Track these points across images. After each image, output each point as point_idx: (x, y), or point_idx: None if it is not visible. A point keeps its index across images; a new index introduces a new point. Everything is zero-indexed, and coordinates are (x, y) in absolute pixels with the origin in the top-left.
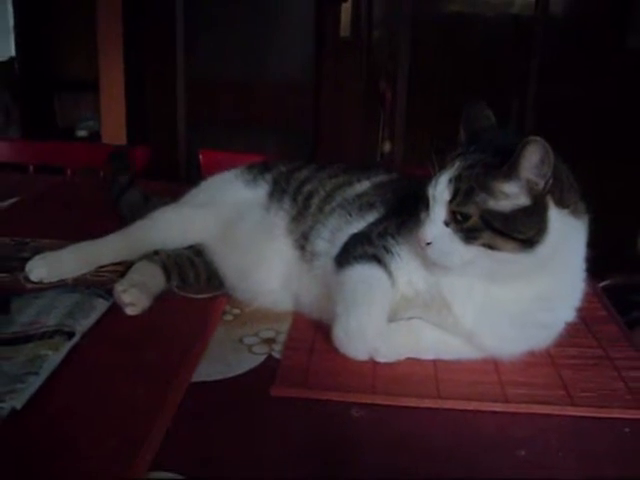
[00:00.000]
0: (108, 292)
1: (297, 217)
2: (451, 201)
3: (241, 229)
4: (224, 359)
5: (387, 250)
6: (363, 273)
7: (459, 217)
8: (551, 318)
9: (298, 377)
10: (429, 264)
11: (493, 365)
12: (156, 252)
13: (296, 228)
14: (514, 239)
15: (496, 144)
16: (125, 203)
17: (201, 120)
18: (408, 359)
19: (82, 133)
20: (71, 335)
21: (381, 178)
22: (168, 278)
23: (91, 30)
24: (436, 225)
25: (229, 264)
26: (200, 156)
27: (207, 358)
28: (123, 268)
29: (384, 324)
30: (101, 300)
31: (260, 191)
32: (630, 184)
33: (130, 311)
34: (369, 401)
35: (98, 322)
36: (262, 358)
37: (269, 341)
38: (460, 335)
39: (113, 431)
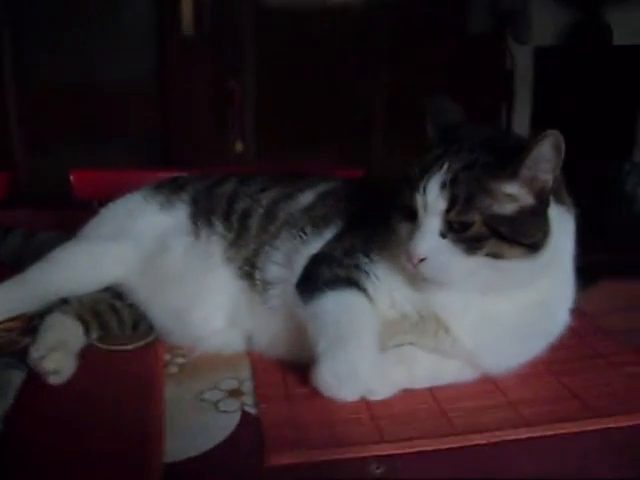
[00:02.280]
0: (20, 359)
1: (236, 241)
2: (449, 210)
3: (168, 261)
4: (191, 426)
5: (360, 270)
6: (340, 301)
7: (457, 226)
8: (552, 324)
9: (288, 436)
10: (419, 282)
11: (492, 385)
12: (65, 301)
13: (237, 254)
14: (521, 244)
15: (487, 141)
16: (6, 249)
17: (38, 134)
18: (401, 392)
19: None
20: None
21: (324, 187)
22: (87, 330)
23: None
24: (430, 238)
25: (160, 305)
26: (71, 176)
27: (170, 427)
28: (21, 323)
29: (377, 358)
30: (14, 371)
31: (179, 214)
32: None
33: (54, 380)
34: (383, 452)
35: (17, 399)
36: (236, 417)
37: (235, 393)
38: (458, 357)
39: None
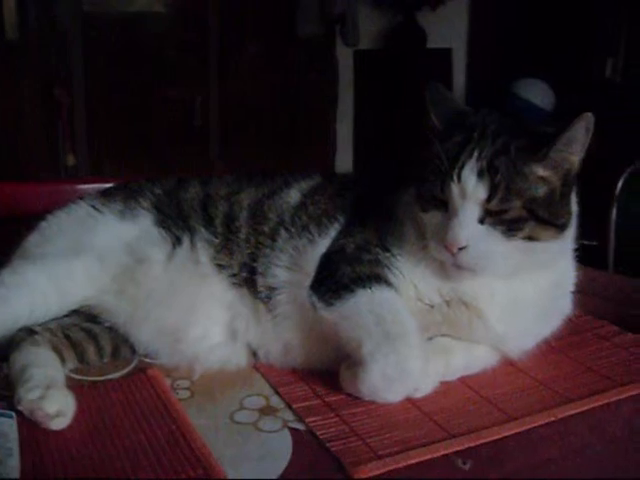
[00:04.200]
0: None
1: (226, 245)
2: (489, 199)
3: (148, 274)
4: (244, 453)
5: (382, 265)
6: (375, 299)
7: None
8: (565, 303)
9: (357, 447)
10: (451, 271)
11: (511, 367)
12: (31, 330)
13: (230, 260)
14: (554, 225)
15: (510, 126)
16: None
17: None
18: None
19: None
20: None
21: (307, 183)
22: (62, 361)
23: None
24: (470, 225)
25: (146, 324)
26: None
27: (221, 459)
28: None
29: (425, 355)
30: (3, 420)
31: (143, 221)
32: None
33: (57, 424)
34: (457, 448)
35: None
36: (286, 436)
37: (268, 410)
38: (488, 342)
39: None
